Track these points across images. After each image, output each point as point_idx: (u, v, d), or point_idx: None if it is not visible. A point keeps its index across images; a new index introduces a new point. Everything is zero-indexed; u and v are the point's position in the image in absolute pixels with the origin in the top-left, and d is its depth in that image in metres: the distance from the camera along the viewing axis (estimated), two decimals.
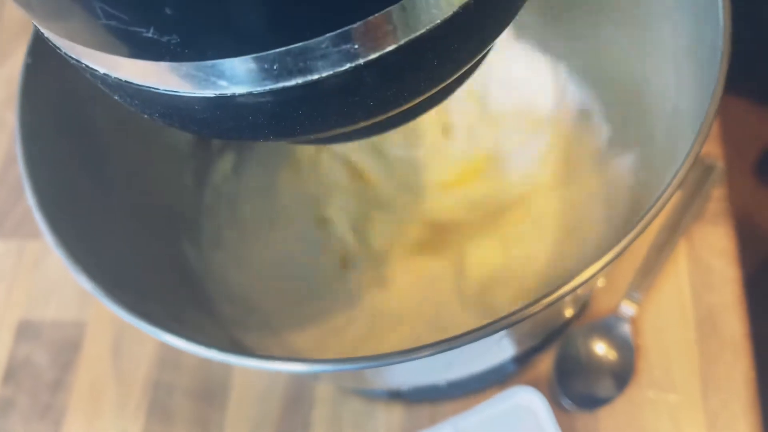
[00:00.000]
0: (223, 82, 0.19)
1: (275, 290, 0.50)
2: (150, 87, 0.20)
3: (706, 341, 0.51)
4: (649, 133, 0.40)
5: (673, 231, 0.53)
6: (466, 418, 0.47)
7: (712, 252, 0.54)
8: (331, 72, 0.19)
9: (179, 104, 0.20)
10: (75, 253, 0.31)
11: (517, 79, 0.53)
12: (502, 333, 0.28)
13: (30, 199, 0.33)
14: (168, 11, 0.16)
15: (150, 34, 0.17)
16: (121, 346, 0.56)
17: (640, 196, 0.43)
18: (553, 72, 0.52)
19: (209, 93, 0.19)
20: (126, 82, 0.20)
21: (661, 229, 0.53)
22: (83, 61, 0.21)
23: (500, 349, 0.43)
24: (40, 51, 0.36)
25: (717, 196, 0.55)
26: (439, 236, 0.51)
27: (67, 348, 0.56)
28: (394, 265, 0.51)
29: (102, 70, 0.21)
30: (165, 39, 0.17)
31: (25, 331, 0.57)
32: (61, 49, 0.21)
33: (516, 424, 0.46)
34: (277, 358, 0.30)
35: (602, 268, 0.28)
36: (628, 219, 0.44)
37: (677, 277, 0.53)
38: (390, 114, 0.21)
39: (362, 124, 0.22)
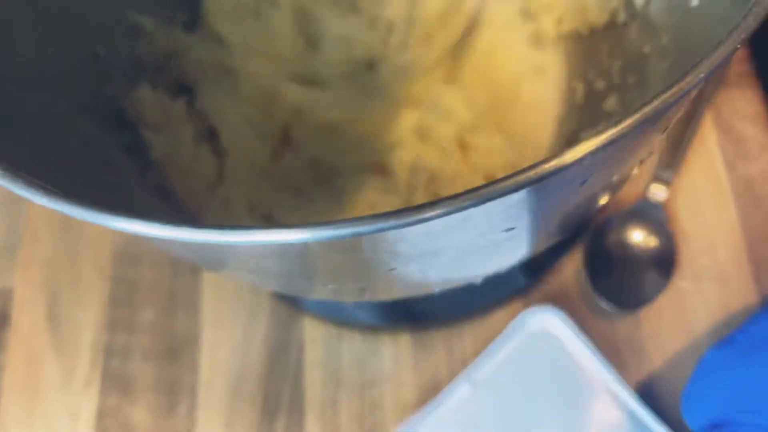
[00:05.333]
0: None
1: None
2: None
3: (750, 217, 0.44)
4: None
5: (697, 99, 0.46)
6: (480, 367, 0.39)
7: (743, 118, 0.47)
8: None
9: None
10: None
11: None
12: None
13: None
14: None
15: None
16: (58, 311, 0.45)
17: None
18: None
19: None
20: None
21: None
22: None
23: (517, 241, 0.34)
24: None
25: (739, 57, 0.48)
26: None
27: None
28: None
29: None
30: None
31: None
32: None
33: (538, 359, 0.39)
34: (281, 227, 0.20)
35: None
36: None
37: (708, 150, 0.46)
38: None
39: None
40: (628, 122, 0.17)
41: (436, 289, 0.30)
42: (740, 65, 0.48)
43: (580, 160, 0.17)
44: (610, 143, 0.17)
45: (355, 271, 0.24)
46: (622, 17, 0.40)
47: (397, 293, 0.31)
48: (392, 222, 0.17)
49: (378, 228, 0.17)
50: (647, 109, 0.17)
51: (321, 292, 0.30)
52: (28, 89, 0.31)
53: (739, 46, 0.19)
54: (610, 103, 0.39)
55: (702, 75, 0.18)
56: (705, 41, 0.30)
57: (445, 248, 0.22)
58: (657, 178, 0.44)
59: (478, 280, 0.30)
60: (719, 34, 0.21)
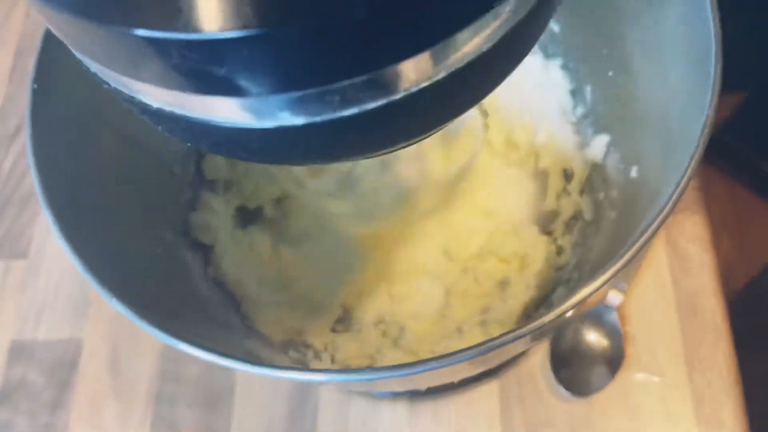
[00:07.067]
0: (284, 114, 0.20)
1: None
2: (207, 120, 0.21)
3: (688, 324, 0.54)
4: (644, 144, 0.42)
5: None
6: None
7: (689, 239, 0.57)
8: (386, 100, 0.20)
9: (234, 135, 0.21)
10: (101, 276, 0.31)
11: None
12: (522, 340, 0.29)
13: (51, 224, 0.33)
14: (244, 53, 0.17)
15: (222, 74, 0.18)
16: (119, 361, 0.56)
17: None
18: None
19: (269, 124, 0.20)
20: (181, 115, 0.21)
21: None
22: (138, 97, 0.21)
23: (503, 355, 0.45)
24: (46, 75, 0.36)
25: (691, 186, 0.58)
26: None
27: (62, 366, 0.56)
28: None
29: (156, 105, 0.21)
30: (235, 76, 0.18)
31: (18, 352, 0.57)
32: (110, 83, 0.22)
33: None
34: (294, 368, 0.31)
35: (618, 270, 0.30)
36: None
37: (657, 264, 0.56)
38: (424, 137, 0.23)
39: (403, 145, 0.23)
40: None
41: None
42: (691, 194, 0.58)
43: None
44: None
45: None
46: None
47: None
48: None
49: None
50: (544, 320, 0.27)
51: None
52: (125, 208, 0.42)
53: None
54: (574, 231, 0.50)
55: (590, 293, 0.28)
56: (642, 206, 0.40)
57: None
58: (614, 286, 0.54)
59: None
60: (651, 205, 0.31)
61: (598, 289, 0.29)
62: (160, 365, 0.55)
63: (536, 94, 0.53)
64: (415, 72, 0.20)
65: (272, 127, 0.20)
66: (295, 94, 0.19)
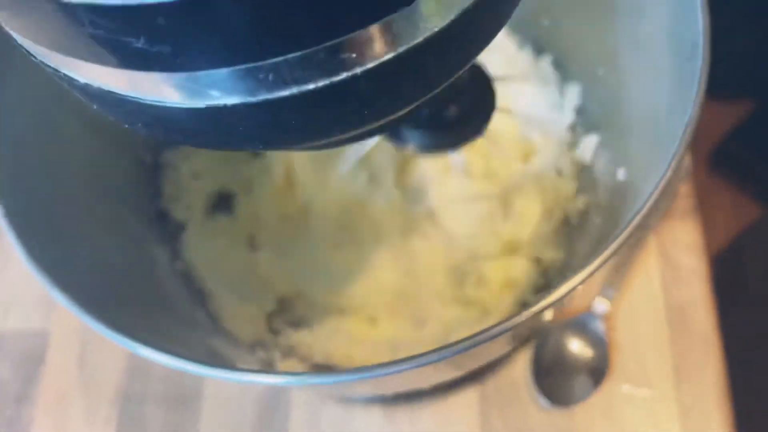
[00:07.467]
0: (215, 92, 0.18)
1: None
2: (135, 97, 0.19)
3: (678, 336, 0.52)
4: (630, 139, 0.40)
5: (643, 228, 0.54)
6: None
7: (681, 248, 0.55)
8: (327, 81, 0.18)
9: (166, 115, 0.19)
10: (47, 266, 0.29)
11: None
12: (492, 342, 0.27)
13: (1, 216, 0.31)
14: (160, 21, 0.15)
15: (140, 45, 0.16)
16: (87, 356, 0.54)
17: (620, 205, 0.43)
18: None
19: (200, 104, 0.19)
20: (109, 92, 0.19)
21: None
22: (62, 70, 0.20)
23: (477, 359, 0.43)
24: (4, 57, 0.34)
25: (684, 193, 0.56)
26: None
27: (30, 360, 0.54)
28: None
29: (83, 80, 0.20)
30: (156, 49, 0.16)
31: None
32: (37, 57, 0.20)
33: None
34: (256, 371, 0.29)
35: (595, 270, 0.29)
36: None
37: (648, 273, 0.54)
38: (383, 122, 0.21)
39: (353, 132, 0.21)
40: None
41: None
42: (684, 201, 0.56)
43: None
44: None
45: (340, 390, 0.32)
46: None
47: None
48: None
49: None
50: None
51: None
52: (88, 197, 0.40)
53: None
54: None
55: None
56: (628, 210, 0.38)
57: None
58: (602, 294, 0.52)
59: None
60: (635, 207, 0.29)
61: (575, 287, 0.27)
62: (128, 362, 0.53)
63: (525, 92, 0.51)
64: (356, 52, 0.18)
65: (203, 107, 0.19)
66: (224, 71, 0.17)
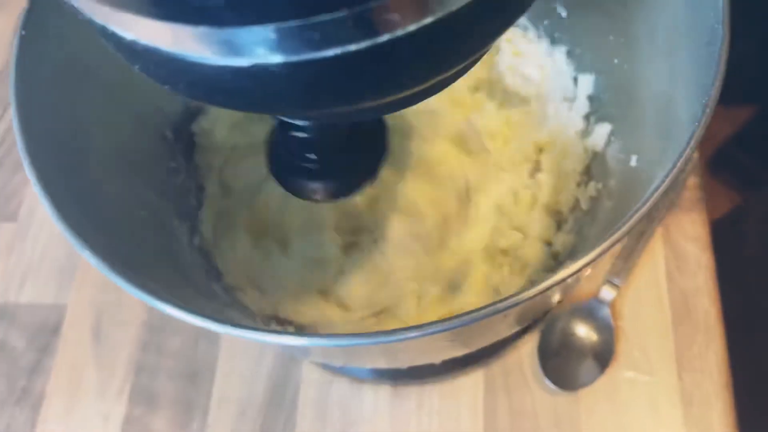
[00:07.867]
0: (261, 50, 0.19)
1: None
2: (181, 55, 0.20)
3: (681, 324, 0.53)
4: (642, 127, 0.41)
5: (651, 219, 0.55)
6: None
7: (687, 238, 0.56)
8: (369, 43, 0.19)
9: (209, 73, 0.20)
10: (78, 231, 0.30)
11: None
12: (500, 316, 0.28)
13: (31, 177, 0.32)
14: None
15: None
16: (102, 329, 0.55)
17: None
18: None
19: (244, 62, 0.19)
20: (155, 49, 0.20)
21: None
22: (110, 26, 0.20)
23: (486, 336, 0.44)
24: (35, 21, 0.35)
25: (691, 185, 0.57)
26: None
27: (44, 332, 0.55)
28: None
29: (130, 37, 0.20)
30: (206, 3, 0.17)
31: (0, 314, 0.56)
32: (85, 13, 0.21)
33: None
34: (275, 332, 0.29)
35: (600, 255, 0.29)
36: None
37: (654, 262, 0.55)
38: (420, 87, 0.22)
39: (390, 98, 0.22)
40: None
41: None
42: (691, 193, 0.57)
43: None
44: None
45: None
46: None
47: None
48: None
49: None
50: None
51: None
52: (112, 169, 0.41)
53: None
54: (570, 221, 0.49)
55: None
56: (639, 194, 0.39)
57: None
58: (608, 281, 0.53)
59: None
60: (647, 192, 0.30)
61: (582, 268, 0.28)
62: (142, 335, 0.54)
63: (541, 81, 0.52)
64: (400, 13, 0.19)
65: (247, 66, 0.19)
66: (271, 28, 0.18)
